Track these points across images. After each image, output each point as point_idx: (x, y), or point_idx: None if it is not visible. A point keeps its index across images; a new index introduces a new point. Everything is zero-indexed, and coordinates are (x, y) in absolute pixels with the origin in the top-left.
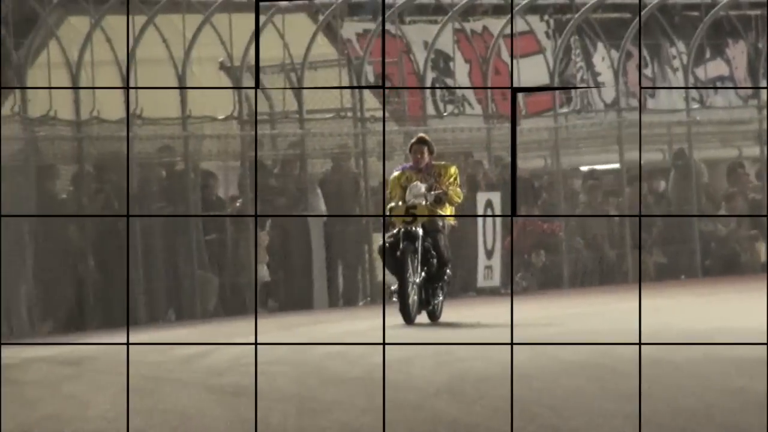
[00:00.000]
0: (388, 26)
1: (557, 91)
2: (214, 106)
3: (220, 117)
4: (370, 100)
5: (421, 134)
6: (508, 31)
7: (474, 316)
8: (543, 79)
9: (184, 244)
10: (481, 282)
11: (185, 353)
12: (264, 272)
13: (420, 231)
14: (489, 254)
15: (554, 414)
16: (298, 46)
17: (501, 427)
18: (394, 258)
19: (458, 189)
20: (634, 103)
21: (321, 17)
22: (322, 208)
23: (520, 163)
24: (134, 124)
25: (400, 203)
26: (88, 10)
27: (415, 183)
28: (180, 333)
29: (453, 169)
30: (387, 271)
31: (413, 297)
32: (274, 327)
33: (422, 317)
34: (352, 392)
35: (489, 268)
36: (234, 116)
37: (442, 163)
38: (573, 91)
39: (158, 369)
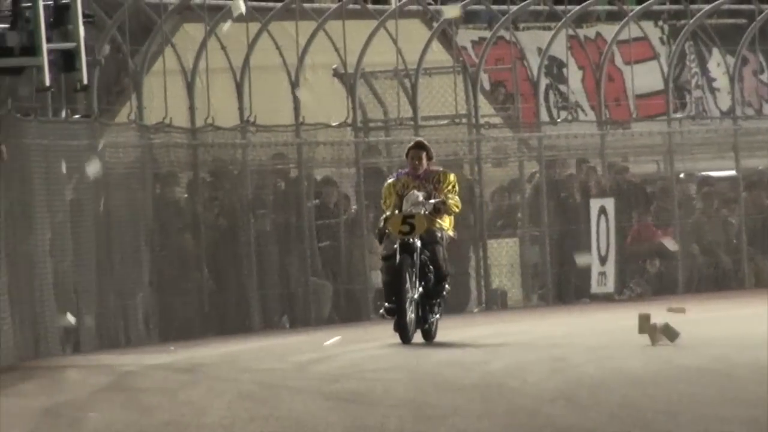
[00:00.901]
0: (502, 33)
1: (671, 96)
2: (328, 113)
3: (334, 124)
4: (485, 106)
5: (419, 138)
6: (621, 37)
7: (587, 323)
8: (657, 85)
9: (298, 251)
10: (594, 288)
11: (300, 360)
12: (378, 279)
13: (418, 243)
14: (603, 260)
15: (669, 419)
16: (412, 52)
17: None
18: (390, 271)
19: (457, 198)
20: (750, 111)
21: (436, 24)
22: None
23: (632, 168)
24: (248, 132)
25: (397, 212)
26: (203, 17)
27: (412, 191)
28: (294, 340)
29: (452, 177)
30: (384, 287)
31: (410, 314)
32: (390, 333)
33: (416, 336)
34: (467, 398)
35: (602, 275)
36: (348, 123)
37: (441, 169)
38: (688, 96)
39: (273, 376)
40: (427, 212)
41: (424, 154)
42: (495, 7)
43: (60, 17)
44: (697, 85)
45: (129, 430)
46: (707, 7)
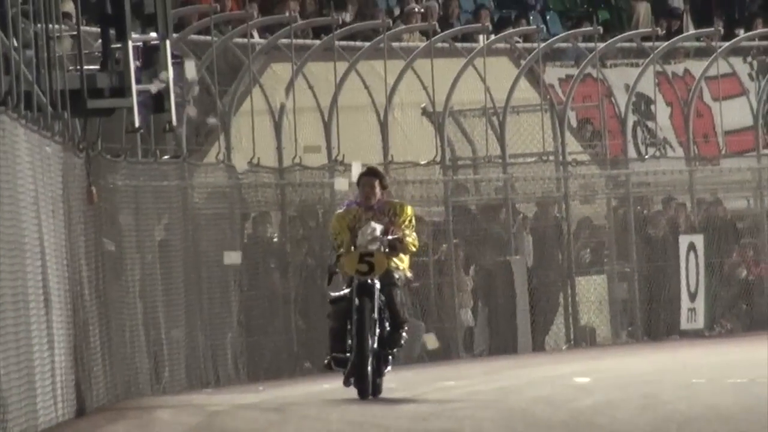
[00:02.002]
0: (589, 70)
1: (761, 132)
2: (416, 152)
3: (422, 162)
4: (572, 143)
5: (371, 165)
6: (710, 73)
7: (677, 360)
8: (746, 121)
9: None
10: (684, 324)
11: (389, 398)
12: (468, 317)
13: (377, 284)
14: (692, 297)
15: None
16: (499, 90)
17: None
18: (340, 316)
19: (415, 234)
20: None
21: (523, 62)
22: (530, 252)
23: (729, 204)
24: (336, 170)
25: (352, 248)
26: (291, 57)
27: (368, 223)
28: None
29: (410, 209)
30: (332, 333)
31: (370, 365)
32: (480, 371)
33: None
34: None
35: (692, 311)
36: (436, 161)
37: (396, 201)
38: None
39: (362, 414)
40: (383, 249)
41: (377, 182)
42: (582, 45)
43: (149, 58)
44: None
45: None
46: None
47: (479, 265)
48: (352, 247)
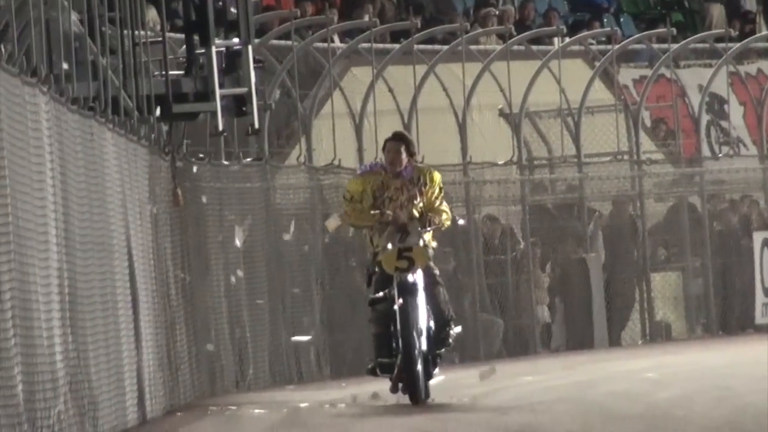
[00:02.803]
0: (663, 71)
1: None
2: (493, 152)
3: (500, 162)
4: (646, 142)
5: (399, 130)
6: None
7: (751, 353)
8: None
9: (468, 286)
10: (759, 319)
11: (471, 393)
12: (545, 313)
13: (420, 281)
14: (767, 292)
15: None
16: (574, 91)
17: None
18: (384, 319)
19: (446, 205)
20: None
21: (597, 63)
22: (602, 251)
23: None
24: None
25: (389, 246)
26: (371, 61)
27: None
28: (464, 374)
29: (438, 177)
30: (375, 338)
31: (419, 367)
32: (558, 366)
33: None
34: (634, 429)
35: (766, 305)
36: (513, 161)
37: (425, 166)
38: None
39: (445, 409)
40: (422, 243)
41: (403, 148)
42: (656, 46)
43: (232, 63)
44: None
45: None
46: None
47: (555, 263)
48: (389, 245)
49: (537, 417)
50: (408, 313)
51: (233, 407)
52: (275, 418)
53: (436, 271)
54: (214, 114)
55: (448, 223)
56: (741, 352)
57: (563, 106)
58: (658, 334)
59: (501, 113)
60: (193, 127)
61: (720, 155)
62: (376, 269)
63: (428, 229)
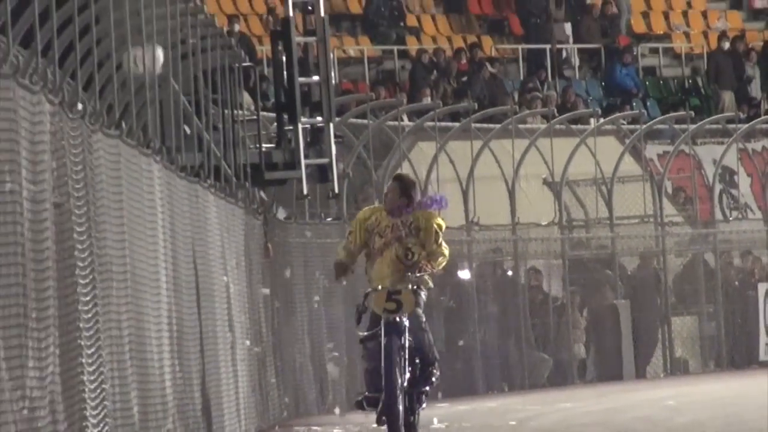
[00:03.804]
0: (683, 147)
1: None
2: (538, 214)
3: (543, 223)
4: (668, 207)
5: (400, 173)
6: None
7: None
8: None
9: (514, 327)
10: (762, 356)
11: (517, 417)
12: (581, 350)
13: (406, 322)
14: None
15: None
16: (608, 163)
17: None
18: (373, 356)
19: (443, 246)
20: None
21: (627, 140)
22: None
23: None
24: (472, 230)
25: (380, 287)
26: (434, 137)
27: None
28: (512, 401)
29: (435, 220)
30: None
31: (399, 405)
32: (592, 395)
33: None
34: None
35: None
36: (555, 222)
37: (422, 212)
38: None
39: (495, 430)
40: (412, 287)
41: (401, 189)
42: (677, 126)
43: (315, 138)
44: None
45: None
46: None
47: (590, 308)
48: (380, 286)
49: None
50: (392, 351)
51: (316, 428)
52: None
53: (423, 319)
54: (299, 180)
55: (444, 264)
56: (746, 384)
57: (598, 176)
58: (677, 369)
59: (545, 182)
60: (282, 191)
61: (731, 219)
62: (367, 307)
63: (417, 275)
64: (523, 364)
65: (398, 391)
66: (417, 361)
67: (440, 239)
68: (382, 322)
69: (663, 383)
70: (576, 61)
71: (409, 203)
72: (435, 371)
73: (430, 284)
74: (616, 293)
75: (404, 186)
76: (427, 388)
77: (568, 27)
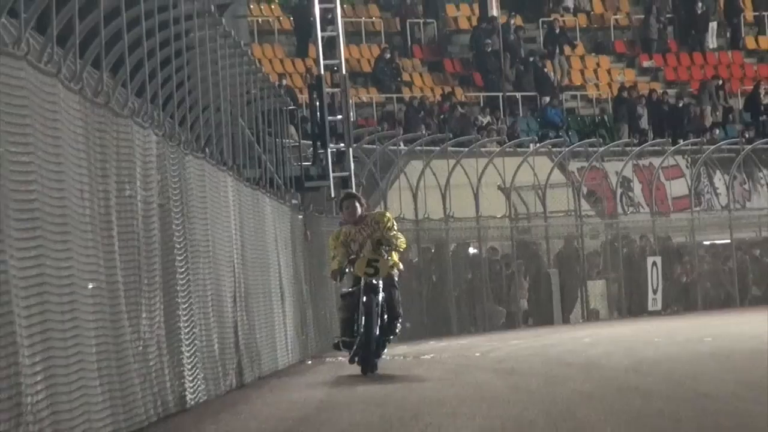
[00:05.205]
0: (595, 163)
1: (693, 195)
2: (495, 210)
3: (498, 216)
4: (585, 205)
5: (348, 190)
6: (665, 165)
7: (646, 328)
8: (684, 192)
9: (479, 287)
10: (650, 307)
11: (481, 350)
12: (524, 304)
13: (380, 284)
14: (654, 291)
15: (694, 381)
16: (542, 175)
17: (667, 390)
18: (350, 308)
19: (400, 234)
20: (738, 206)
21: (555, 159)
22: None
23: (675, 239)
24: (449, 221)
25: (362, 255)
26: (422, 157)
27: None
28: (478, 339)
29: (388, 215)
30: (342, 322)
31: (372, 348)
32: (532, 335)
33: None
34: (576, 370)
35: (654, 300)
36: (506, 216)
37: (376, 212)
38: (702, 196)
39: (466, 361)
40: (386, 257)
41: (356, 202)
42: (590, 149)
43: (339, 158)
44: (707, 191)
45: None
46: (713, 147)
47: (531, 274)
48: (354, 256)
49: (519, 363)
50: (371, 307)
51: (341, 357)
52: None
53: (396, 278)
54: (328, 187)
55: (403, 245)
56: (639, 327)
57: (535, 184)
58: (591, 317)
59: (499, 188)
60: (316, 195)
61: (628, 212)
62: (347, 271)
63: (386, 249)
64: (484, 313)
65: (373, 338)
66: (386, 316)
67: (394, 227)
68: (362, 284)
69: (581, 327)
70: (520, 104)
71: (363, 210)
72: (398, 324)
73: (401, 265)
74: (548, 264)
75: (357, 200)
76: (391, 337)
77: (514, 81)
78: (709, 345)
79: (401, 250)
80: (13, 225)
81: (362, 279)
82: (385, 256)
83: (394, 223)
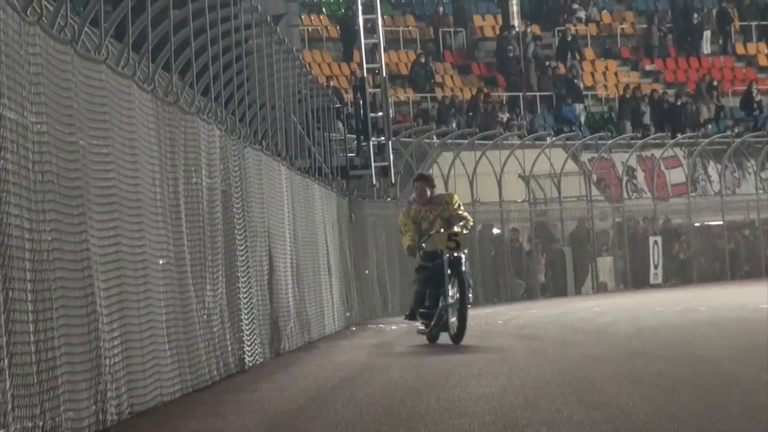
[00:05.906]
0: (604, 154)
1: (690, 182)
2: (516, 196)
3: (519, 201)
4: (594, 191)
5: (420, 172)
6: (665, 155)
7: (648, 299)
8: (681, 179)
9: (501, 263)
10: (651, 280)
11: (503, 318)
12: (542, 278)
13: (463, 257)
14: (656, 267)
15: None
16: (558, 164)
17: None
18: (426, 282)
19: (466, 213)
20: (729, 191)
21: (569, 150)
22: (568, 247)
23: (674, 221)
24: (476, 205)
25: (441, 230)
26: (453, 149)
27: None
28: (500, 308)
29: (456, 196)
30: (417, 294)
31: (452, 318)
32: (548, 305)
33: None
34: (589, 336)
35: (656, 274)
36: (526, 200)
37: (445, 192)
38: (698, 183)
39: (489, 327)
40: (464, 231)
41: (425, 185)
42: (600, 142)
43: (380, 150)
44: (702, 179)
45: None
46: (707, 140)
47: (547, 252)
48: (441, 230)
49: (537, 330)
50: (462, 279)
51: (381, 325)
52: (402, 330)
53: (465, 256)
54: (371, 176)
55: (471, 223)
56: (642, 298)
57: (552, 172)
58: (600, 289)
59: (520, 176)
60: (360, 182)
61: (632, 197)
62: (423, 246)
63: (461, 224)
64: (507, 285)
65: (467, 308)
66: (463, 287)
67: (461, 206)
68: (446, 257)
69: (592, 298)
70: (538, 102)
71: (432, 192)
72: (470, 295)
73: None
74: (562, 243)
75: (428, 182)
76: (468, 305)
77: (534, 82)
78: (704, 314)
79: (470, 227)
80: (94, 209)
81: (444, 253)
82: (463, 230)
83: (461, 203)
